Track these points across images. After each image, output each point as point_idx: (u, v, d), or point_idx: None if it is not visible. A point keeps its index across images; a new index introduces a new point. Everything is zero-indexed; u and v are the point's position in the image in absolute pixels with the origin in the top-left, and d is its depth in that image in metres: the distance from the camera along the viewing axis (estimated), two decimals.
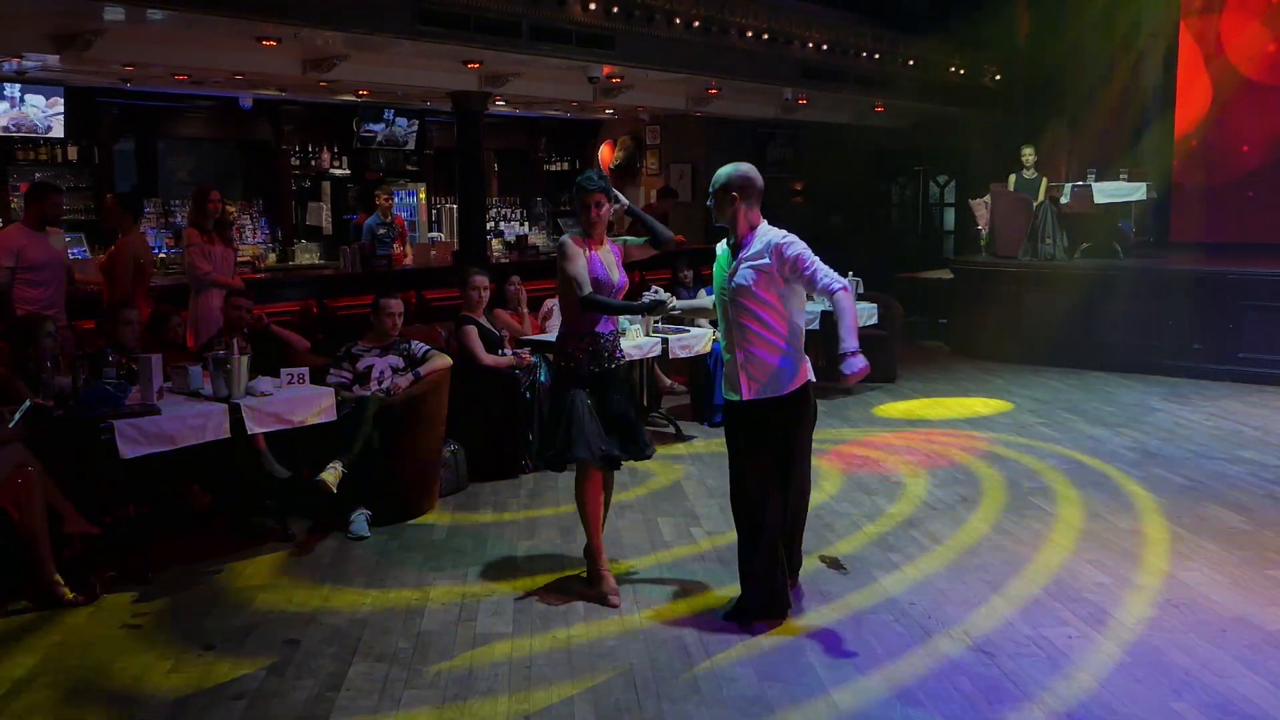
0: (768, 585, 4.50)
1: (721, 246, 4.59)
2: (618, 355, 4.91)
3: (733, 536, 4.75)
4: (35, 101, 9.86)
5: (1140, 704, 3.76)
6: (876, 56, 11.97)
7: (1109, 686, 3.89)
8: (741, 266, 4.42)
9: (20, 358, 5.43)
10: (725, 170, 4.52)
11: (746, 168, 4.51)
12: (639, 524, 5.87)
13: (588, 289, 4.68)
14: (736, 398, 4.48)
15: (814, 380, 4.61)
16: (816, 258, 4.36)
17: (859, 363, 4.20)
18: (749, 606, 4.52)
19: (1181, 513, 5.96)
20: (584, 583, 4.96)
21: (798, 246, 4.36)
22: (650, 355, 7.50)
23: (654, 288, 4.86)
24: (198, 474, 5.87)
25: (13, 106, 9.74)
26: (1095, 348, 10.61)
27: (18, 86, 9.66)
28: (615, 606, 4.69)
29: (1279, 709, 3.72)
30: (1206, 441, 7.62)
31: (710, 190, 4.54)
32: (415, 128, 12.98)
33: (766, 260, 4.36)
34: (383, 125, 12.68)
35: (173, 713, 3.81)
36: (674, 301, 4.84)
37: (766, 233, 4.44)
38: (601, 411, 4.77)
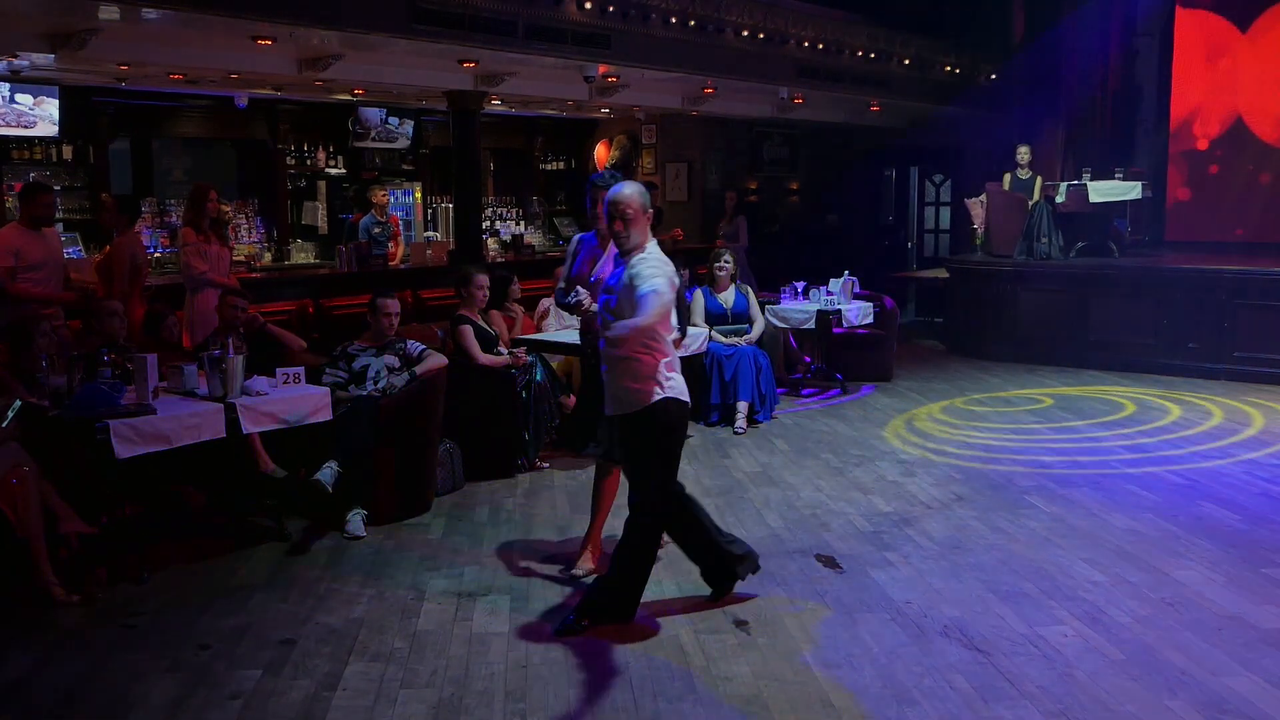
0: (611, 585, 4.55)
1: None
2: None
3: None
4: (25, 101, 9.83)
5: (1135, 702, 3.77)
6: (872, 55, 11.99)
7: (1104, 685, 3.90)
8: (619, 286, 4.40)
9: (16, 357, 5.43)
10: (636, 190, 4.41)
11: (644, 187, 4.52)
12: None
13: (560, 284, 5.02)
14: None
15: (674, 400, 4.39)
16: (657, 294, 4.19)
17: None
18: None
19: (1177, 511, 5.97)
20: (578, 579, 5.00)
21: (648, 284, 4.23)
22: None
23: (578, 288, 4.87)
24: (193, 474, 5.88)
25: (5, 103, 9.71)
26: (1091, 346, 10.62)
27: (6, 85, 9.63)
28: (579, 576, 4.96)
29: (1274, 707, 3.73)
30: (1202, 440, 7.64)
31: (622, 210, 4.32)
32: (411, 127, 12.98)
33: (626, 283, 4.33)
34: (379, 124, 12.67)
35: (169, 713, 3.81)
36: (589, 304, 4.73)
37: (644, 257, 4.35)
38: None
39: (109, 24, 7.03)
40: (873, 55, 11.97)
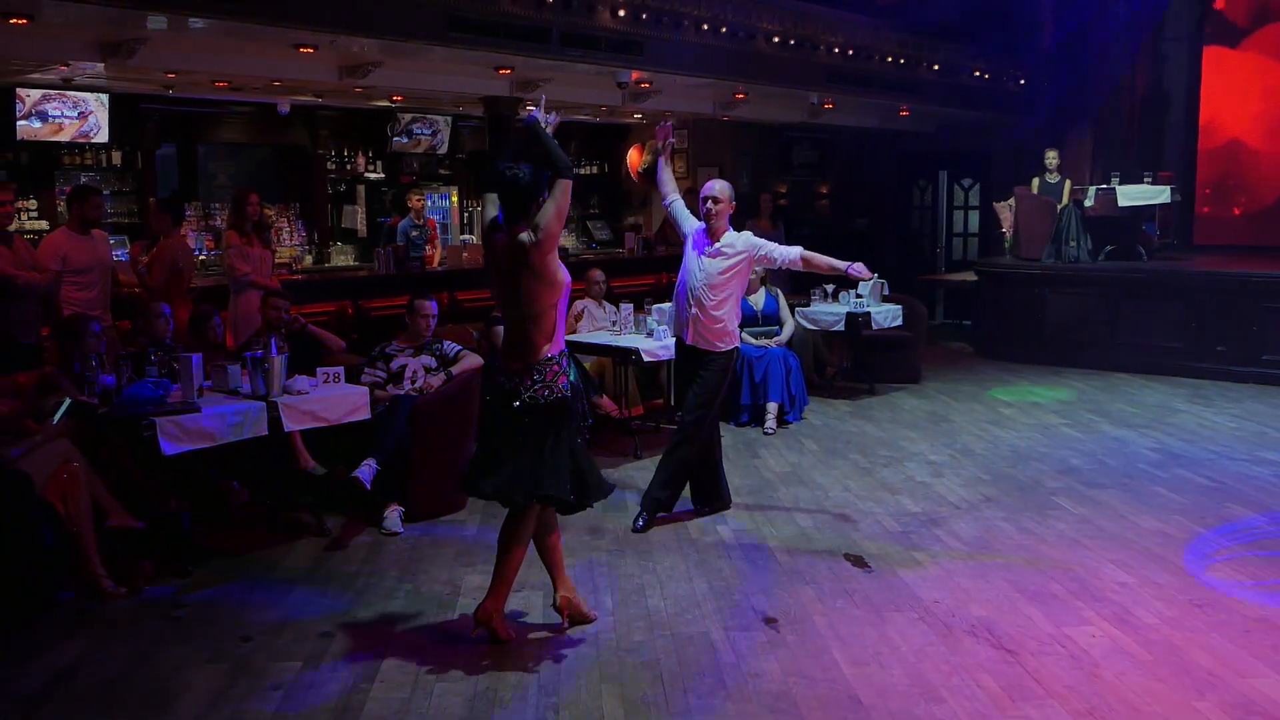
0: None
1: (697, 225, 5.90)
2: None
3: (759, 531, 5.60)
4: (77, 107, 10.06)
5: (1163, 703, 3.80)
6: (902, 61, 12.00)
7: (1132, 686, 3.93)
8: (718, 258, 5.76)
9: (66, 357, 5.60)
10: (727, 186, 5.87)
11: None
12: (665, 520, 5.94)
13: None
14: (680, 338, 5.94)
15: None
16: (771, 244, 5.83)
17: (862, 267, 5.62)
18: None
19: (1205, 513, 5.98)
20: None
21: (760, 242, 5.85)
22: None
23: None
24: (237, 470, 6.02)
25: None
26: (1119, 350, 10.59)
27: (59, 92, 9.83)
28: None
29: None
30: (1230, 443, 7.61)
31: (717, 200, 5.80)
32: (448, 132, 13.11)
33: (743, 254, 5.77)
34: (416, 129, 12.82)
35: (212, 702, 3.91)
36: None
37: (737, 234, 5.86)
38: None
39: (157, 34, 7.19)
40: (902, 61, 11.97)
